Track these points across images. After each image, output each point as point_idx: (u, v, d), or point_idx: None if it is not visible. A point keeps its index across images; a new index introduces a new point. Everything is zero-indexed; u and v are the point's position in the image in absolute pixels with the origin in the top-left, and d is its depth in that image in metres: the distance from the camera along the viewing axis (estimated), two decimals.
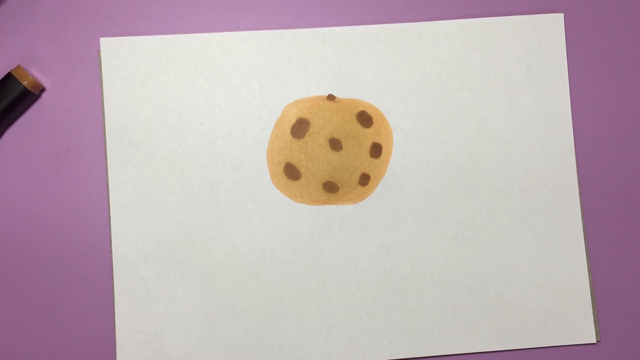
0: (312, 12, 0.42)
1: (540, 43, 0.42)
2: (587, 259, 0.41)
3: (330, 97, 0.41)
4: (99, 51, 0.41)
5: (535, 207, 0.41)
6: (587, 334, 0.40)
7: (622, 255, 0.41)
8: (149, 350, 0.39)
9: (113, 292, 0.40)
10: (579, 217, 0.41)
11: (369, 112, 0.41)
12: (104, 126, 0.40)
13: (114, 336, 0.40)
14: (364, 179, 0.41)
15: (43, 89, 0.41)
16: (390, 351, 0.40)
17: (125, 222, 0.40)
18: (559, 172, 0.41)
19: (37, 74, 0.41)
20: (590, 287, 0.41)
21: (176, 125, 0.41)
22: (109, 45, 0.41)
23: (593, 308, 0.41)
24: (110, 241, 0.40)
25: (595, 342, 0.41)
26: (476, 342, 0.40)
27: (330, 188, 0.41)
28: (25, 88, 0.40)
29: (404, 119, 0.41)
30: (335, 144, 0.41)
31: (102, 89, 0.41)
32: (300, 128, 0.41)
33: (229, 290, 0.40)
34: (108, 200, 0.40)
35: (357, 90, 0.41)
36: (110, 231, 0.40)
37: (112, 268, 0.40)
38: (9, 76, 0.40)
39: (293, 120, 0.41)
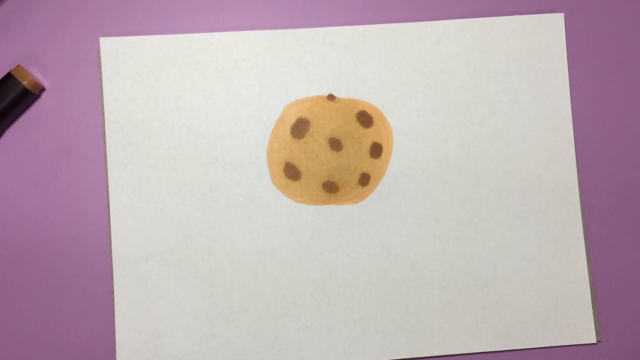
0: (312, 12, 0.42)
1: (540, 43, 0.42)
2: (587, 259, 0.41)
3: (330, 97, 0.41)
4: (98, 51, 0.41)
5: (535, 207, 0.41)
6: (587, 334, 0.40)
7: (622, 255, 0.41)
8: (149, 350, 0.39)
9: (113, 292, 0.40)
10: (579, 217, 0.41)
11: (369, 112, 0.41)
12: (104, 126, 0.40)
13: (114, 336, 0.40)
14: (364, 179, 0.41)
15: (43, 89, 0.41)
16: (390, 351, 0.40)
17: (125, 222, 0.40)
18: (559, 172, 0.41)
19: (37, 74, 0.41)
20: (590, 287, 0.41)
21: (176, 125, 0.41)
22: (108, 45, 0.41)
23: (593, 308, 0.41)
24: (110, 241, 0.40)
25: (595, 342, 0.41)
26: (476, 342, 0.40)
27: (330, 188, 0.41)
28: (25, 88, 0.40)
29: (404, 119, 0.41)
30: (335, 144, 0.41)
31: (102, 89, 0.41)
32: (300, 128, 0.41)
33: (229, 290, 0.40)
34: (108, 200, 0.40)
35: (357, 90, 0.41)
36: (110, 231, 0.40)
37: (112, 268, 0.40)
38: (8, 76, 0.40)
39: (293, 120, 0.41)
